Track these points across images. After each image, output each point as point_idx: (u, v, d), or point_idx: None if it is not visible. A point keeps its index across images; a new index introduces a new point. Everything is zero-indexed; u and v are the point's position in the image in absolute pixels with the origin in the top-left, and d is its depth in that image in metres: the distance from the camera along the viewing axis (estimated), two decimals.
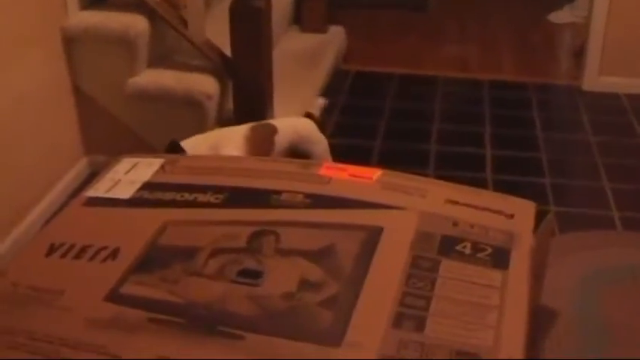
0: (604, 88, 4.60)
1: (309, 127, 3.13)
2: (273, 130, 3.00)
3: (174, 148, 2.80)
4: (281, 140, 3.00)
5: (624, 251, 3.04)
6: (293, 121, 3.14)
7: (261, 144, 2.95)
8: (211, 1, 3.87)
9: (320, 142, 3.15)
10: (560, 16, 5.83)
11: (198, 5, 3.39)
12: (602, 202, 3.45)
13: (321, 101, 3.30)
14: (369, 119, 4.23)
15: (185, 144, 2.85)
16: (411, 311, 1.39)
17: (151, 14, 3.43)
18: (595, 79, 4.63)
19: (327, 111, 3.39)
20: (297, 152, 3.05)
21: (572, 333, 2.54)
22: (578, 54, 4.93)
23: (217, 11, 3.81)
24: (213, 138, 2.94)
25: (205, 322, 1.38)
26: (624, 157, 3.85)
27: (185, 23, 3.43)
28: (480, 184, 3.44)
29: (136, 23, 3.38)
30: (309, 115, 3.23)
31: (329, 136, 3.80)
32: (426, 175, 3.41)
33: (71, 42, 3.41)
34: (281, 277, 1.48)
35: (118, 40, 3.36)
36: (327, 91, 4.35)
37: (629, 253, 3.02)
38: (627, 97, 4.50)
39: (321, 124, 3.21)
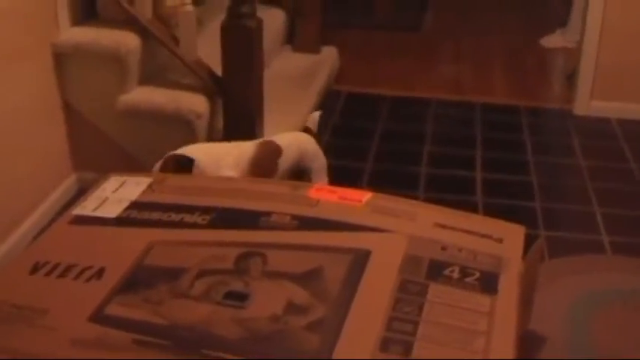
0: (595, 113, 4.60)
1: (310, 143, 3.11)
2: (278, 153, 2.94)
3: (178, 162, 2.68)
4: (284, 162, 2.96)
5: (614, 276, 3.03)
6: (296, 139, 3.09)
7: (265, 167, 2.90)
8: (203, 19, 3.86)
9: (319, 158, 3.13)
10: (552, 41, 5.84)
11: (189, 24, 3.39)
12: (592, 226, 3.44)
13: (316, 115, 3.28)
14: (360, 140, 4.22)
15: (185, 151, 2.76)
16: (398, 336, 1.37)
17: (143, 32, 3.42)
18: (586, 104, 4.63)
19: (321, 124, 3.38)
20: (298, 168, 3.03)
21: (561, 358, 2.53)
22: (570, 78, 4.94)
23: (209, 30, 3.81)
24: (216, 152, 2.85)
25: (190, 344, 1.37)
26: (614, 182, 3.85)
27: (176, 41, 3.42)
28: (470, 207, 3.43)
29: (128, 40, 3.37)
30: (307, 130, 3.22)
31: None
32: (416, 198, 3.41)
33: (62, 58, 3.39)
34: (267, 300, 1.46)
35: (109, 57, 3.35)
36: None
37: (618, 277, 3.02)
38: (618, 122, 4.50)
39: (319, 139, 3.20)
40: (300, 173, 3.02)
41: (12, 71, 3.10)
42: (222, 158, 2.78)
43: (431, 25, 6.29)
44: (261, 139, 3.02)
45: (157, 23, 3.45)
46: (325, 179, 3.12)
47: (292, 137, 3.11)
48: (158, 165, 2.68)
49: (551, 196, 3.71)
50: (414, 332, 1.38)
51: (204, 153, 2.75)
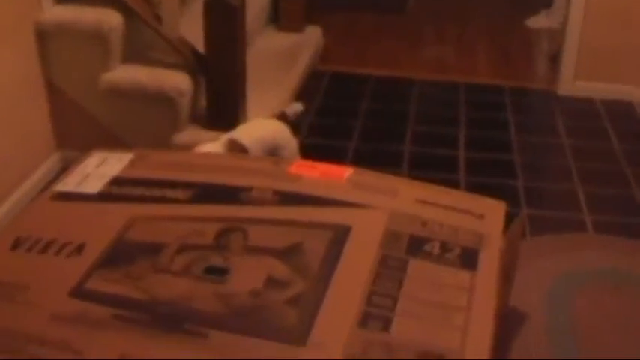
0: (579, 93, 4.61)
1: (279, 133, 3.04)
2: (243, 152, 2.91)
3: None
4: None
5: (595, 254, 3.04)
6: (261, 131, 2.97)
7: None
8: None
9: (288, 146, 3.07)
10: (537, 21, 5.84)
11: (172, 2, 3.38)
12: (575, 205, 3.45)
13: (297, 107, 3.26)
14: (344, 120, 4.22)
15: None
16: (377, 311, 1.38)
17: (126, 10, 3.40)
18: (570, 84, 4.64)
19: (301, 116, 3.36)
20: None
21: (541, 335, 2.55)
22: (554, 59, 4.95)
23: (192, 8, 3.80)
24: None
25: (170, 319, 1.37)
26: (597, 162, 3.86)
27: (159, 19, 3.41)
28: (453, 185, 3.41)
29: (110, 18, 3.36)
30: (282, 115, 3.19)
31: (304, 136, 3.81)
32: (400, 176, 3.41)
33: (44, 36, 3.38)
34: (247, 275, 1.46)
35: (91, 35, 3.34)
36: (303, 91, 4.35)
37: (600, 256, 3.03)
38: (602, 102, 4.52)
39: (294, 127, 3.17)
40: None
41: None
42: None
43: (415, 7, 6.28)
44: (226, 138, 2.88)
45: (139, 1, 3.43)
46: None
47: (256, 130, 2.99)
48: (211, 146, 2.72)
49: (534, 175, 3.72)
50: (393, 307, 1.39)
51: None
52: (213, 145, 2.84)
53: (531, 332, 2.53)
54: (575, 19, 4.52)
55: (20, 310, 1.43)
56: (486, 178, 3.66)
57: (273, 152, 2.98)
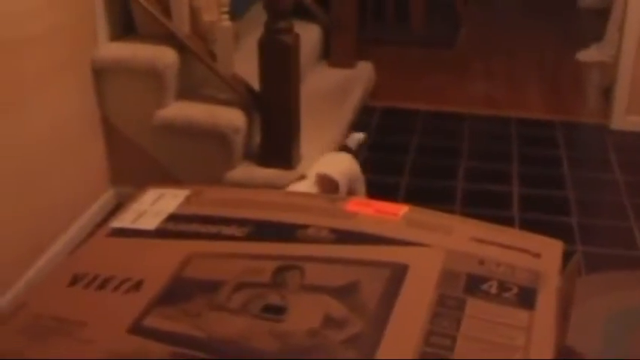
0: (632, 127, 4.57)
1: (354, 165, 3.10)
2: (335, 187, 2.94)
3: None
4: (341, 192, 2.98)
5: None
6: (342, 165, 3.06)
7: None
8: (240, 34, 3.88)
9: (362, 180, 3.14)
10: (588, 55, 5.81)
11: (227, 39, 3.41)
12: (630, 242, 3.41)
13: (358, 136, 3.28)
14: (396, 155, 4.22)
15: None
16: (436, 351, 1.37)
17: (180, 47, 3.44)
18: (623, 118, 4.60)
19: (363, 145, 3.39)
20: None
21: None
22: (606, 93, 4.91)
23: (246, 45, 3.82)
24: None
25: (228, 357, 1.37)
26: None
27: (214, 56, 3.44)
28: (506, 222, 3.42)
29: (165, 55, 3.39)
30: (346, 147, 3.22)
31: None
32: (452, 212, 3.40)
33: (100, 73, 3.43)
34: (305, 314, 1.46)
35: (146, 72, 3.38)
36: (355, 127, 4.35)
37: None
38: None
39: (356, 157, 3.20)
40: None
41: (52, 87, 3.14)
42: None
43: (465, 41, 6.28)
44: (315, 174, 2.95)
45: (194, 38, 3.47)
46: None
47: (343, 166, 3.07)
48: (304, 184, 2.79)
49: (588, 211, 3.68)
50: (452, 347, 1.38)
51: None
52: (304, 183, 2.89)
53: None
54: (628, 53, 4.50)
55: (78, 347, 1.44)
56: (540, 215, 3.63)
57: (352, 185, 3.01)
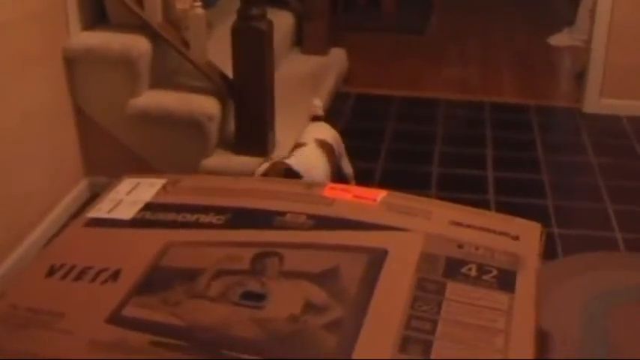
0: (605, 111, 4.59)
1: (333, 130, 3.26)
2: (333, 151, 3.10)
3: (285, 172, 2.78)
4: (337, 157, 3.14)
5: (628, 273, 3.02)
6: (329, 131, 3.22)
7: (334, 170, 3.09)
8: (213, 22, 3.86)
9: (341, 142, 3.28)
10: (559, 39, 5.84)
11: (200, 27, 3.39)
12: (605, 223, 3.43)
13: (317, 101, 3.33)
14: (370, 141, 4.22)
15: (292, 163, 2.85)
16: (417, 335, 1.37)
17: (153, 35, 3.42)
18: (596, 102, 4.62)
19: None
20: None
21: (574, 355, 2.52)
22: (579, 76, 4.93)
23: (219, 32, 3.81)
24: (307, 161, 2.92)
25: (208, 345, 1.37)
26: (626, 179, 3.84)
27: (187, 44, 3.42)
28: (482, 205, 3.42)
29: (138, 44, 3.37)
30: (317, 118, 3.27)
31: None
32: (428, 197, 3.41)
33: (73, 62, 3.40)
34: (285, 300, 1.46)
35: (119, 61, 3.35)
36: (329, 114, 4.34)
37: (633, 274, 3.01)
38: (628, 120, 4.49)
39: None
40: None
41: (24, 76, 3.11)
42: (312, 168, 2.90)
43: (437, 27, 6.29)
44: (316, 138, 3.08)
45: (167, 27, 3.45)
46: (347, 162, 3.32)
47: (328, 131, 3.22)
48: (262, 169, 2.77)
49: (563, 193, 3.70)
50: (433, 331, 1.38)
51: (302, 164, 2.86)
52: (308, 148, 3.00)
53: (565, 353, 2.51)
54: (600, 37, 4.51)
55: (57, 338, 1.43)
56: (515, 198, 3.64)
57: (339, 148, 3.20)
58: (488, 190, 3.71)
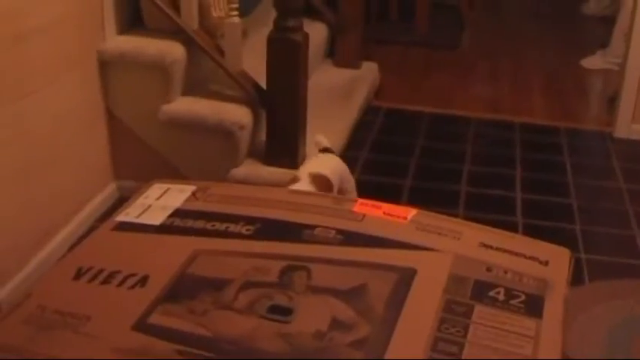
0: (636, 136, 4.56)
1: (342, 165, 3.12)
2: (330, 189, 2.96)
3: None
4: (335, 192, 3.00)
5: None
6: (334, 165, 3.09)
7: None
8: (248, 31, 3.87)
9: (351, 179, 3.14)
10: (592, 62, 5.81)
11: (235, 35, 3.40)
12: (632, 250, 3.41)
13: (321, 137, 3.28)
14: (399, 157, 4.21)
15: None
16: (443, 357, 1.36)
17: (188, 42, 3.43)
18: (627, 127, 4.59)
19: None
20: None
21: None
22: (611, 100, 4.91)
23: (253, 42, 3.81)
24: None
25: (234, 357, 1.36)
26: None
27: (222, 52, 3.43)
28: (509, 227, 3.38)
29: (173, 50, 3.38)
30: (327, 150, 3.21)
31: (359, 173, 3.80)
32: (455, 216, 3.40)
33: (107, 66, 3.41)
34: (312, 316, 1.45)
35: (153, 66, 3.37)
36: (359, 127, 4.35)
37: None
38: None
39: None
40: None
41: (58, 79, 3.13)
42: None
43: (468, 44, 6.29)
44: (312, 173, 2.99)
45: (202, 34, 3.46)
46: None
47: (333, 165, 3.09)
48: (300, 184, 2.82)
49: (591, 218, 3.67)
50: (459, 353, 1.37)
51: None
52: (299, 185, 2.90)
53: None
54: (635, 61, 4.49)
55: (82, 342, 1.43)
56: (543, 221, 3.62)
57: (343, 184, 3.01)
58: (516, 211, 3.69)
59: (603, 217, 3.75)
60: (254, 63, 3.47)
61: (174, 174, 3.40)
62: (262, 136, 3.48)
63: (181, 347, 1.38)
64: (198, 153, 3.43)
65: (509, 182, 3.99)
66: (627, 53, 4.55)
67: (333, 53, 4.95)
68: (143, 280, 1.58)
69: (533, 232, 3.41)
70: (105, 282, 1.59)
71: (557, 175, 4.10)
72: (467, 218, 3.41)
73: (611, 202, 3.88)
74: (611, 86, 5.12)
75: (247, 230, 1.73)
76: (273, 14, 3.35)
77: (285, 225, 1.75)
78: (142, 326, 1.45)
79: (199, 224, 1.78)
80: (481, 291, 1.54)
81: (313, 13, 4.71)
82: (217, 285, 1.54)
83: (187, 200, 1.89)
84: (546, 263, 1.67)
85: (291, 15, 3.27)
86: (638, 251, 3.39)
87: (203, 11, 3.49)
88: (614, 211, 3.78)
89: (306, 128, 3.49)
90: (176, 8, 3.43)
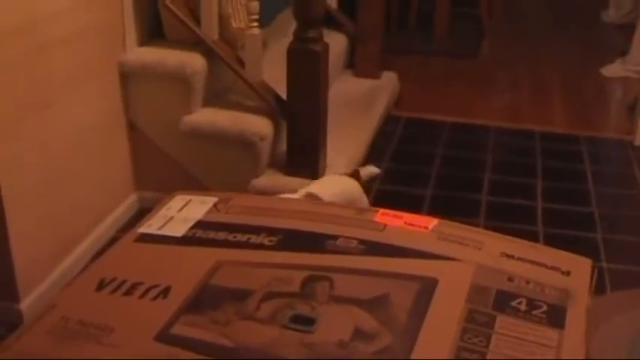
0: None
1: (354, 188, 3.07)
2: None
3: None
4: None
5: None
6: (337, 187, 3.02)
7: None
8: (268, 42, 3.88)
9: (361, 203, 3.10)
10: (612, 70, 5.79)
11: (255, 46, 3.41)
12: None
13: (372, 169, 3.26)
14: (420, 166, 4.21)
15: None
16: None
17: (208, 53, 3.45)
18: None
19: (375, 179, 3.38)
20: None
21: None
22: (631, 108, 4.89)
23: (273, 52, 3.83)
24: None
25: None
26: None
27: (242, 63, 3.44)
28: (530, 237, 3.38)
29: (193, 61, 3.40)
30: (356, 173, 3.19)
31: (379, 182, 3.80)
32: (476, 226, 3.39)
33: (128, 77, 3.43)
34: (334, 325, 1.45)
35: (174, 77, 3.38)
36: (379, 137, 4.35)
37: None
38: None
39: (365, 187, 3.16)
40: None
41: (81, 90, 3.15)
42: None
43: (488, 52, 6.28)
44: (304, 191, 2.92)
45: (222, 45, 3.47)
46: None
47: (336, 188, 3.03)
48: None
49: (613, 227, 3.66)
50: None
51: None
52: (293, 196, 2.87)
53: None
54: None
55: (105, 352, 1.43)
56: (564, 230, 3.61)
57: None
58: (537, 220, 3.68)
59: (625, 226, 3.73)
60: (274, 73, 3.48)
61: (194, 184, 3.41)
62: (283, 146, 3.49)
63: (204, 357, 1.39)
64: (220, 164, 3.44)
65: (530, 191, 3.99)
66: None
67: (353, 63, 4.95)
68: (165, 291, 1.58)
69: (555, 241, 3.40)
70: (127, 293, 1.60)
71: (578, 184, 4.09)
72: (488, 227, 3.39)
73: (633, 210, 3.86)
74: (631, 94, 5.11)
75: (269, 241, 1.74)
76: (292, 25, 3.36)
77: (306, 235, 1.75)
78: (164, 337, 1.46)
79: (221, 235, 1.78)
80: (503, 301, 1.53)
81: (333, 24, 4.71)
82: (240, 295, 1.55)
83: (209, 212, 1.90)
84: (568, 273, 1.67)
85: (312, 26, 3.28)
86: None
87: (223, 22, 3.50)
88: (636, 219, 3.77)
89: (327, 138, 3.49)
90: (196, 19, 3.45)
